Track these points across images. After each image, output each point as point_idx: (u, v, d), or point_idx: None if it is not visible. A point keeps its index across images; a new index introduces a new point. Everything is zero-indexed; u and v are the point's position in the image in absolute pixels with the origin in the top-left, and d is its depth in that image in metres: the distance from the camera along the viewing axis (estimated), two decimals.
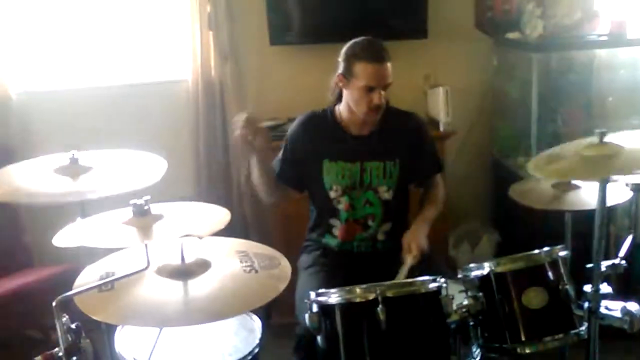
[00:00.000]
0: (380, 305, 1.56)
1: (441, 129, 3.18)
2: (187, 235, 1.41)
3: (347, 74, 2.28)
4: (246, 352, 1.76)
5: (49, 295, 2.77)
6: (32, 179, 1.84)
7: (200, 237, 1.43)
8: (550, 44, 3.10)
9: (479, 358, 1.84)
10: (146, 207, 1.45)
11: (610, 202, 1.78)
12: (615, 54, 3.20)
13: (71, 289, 2.85)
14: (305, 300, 1.77)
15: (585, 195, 2.12)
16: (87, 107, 3.33)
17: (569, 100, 3.28)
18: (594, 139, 1.71)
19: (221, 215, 1.57)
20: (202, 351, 1.79)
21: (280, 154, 2.48)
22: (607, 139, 1.69)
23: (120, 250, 1.62)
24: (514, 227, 3.27)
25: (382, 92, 2.26)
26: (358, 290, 1.65)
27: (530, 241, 2.99)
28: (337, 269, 2.33)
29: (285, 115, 3.29)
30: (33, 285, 2.83)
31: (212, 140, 3.40)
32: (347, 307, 1.65)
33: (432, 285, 1.67)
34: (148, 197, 1.47)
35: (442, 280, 1.71)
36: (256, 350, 1.78)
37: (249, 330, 1.87)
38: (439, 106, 3.19)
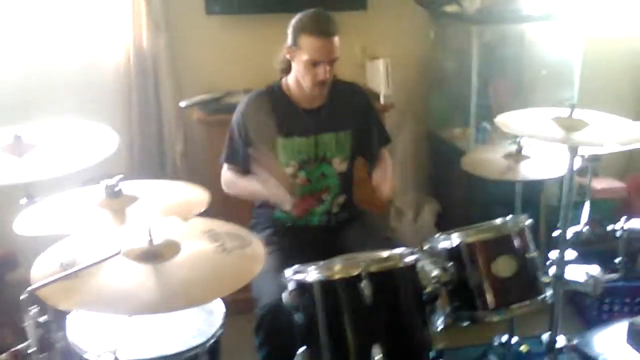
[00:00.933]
0: (364, 281, 1.54)
1: (381, 101, 3.18)
2: (170, 219, 1.32)
3: (294, 46, 2.26)
4: (210, 334, 1.70)
5: None
6: None
7: (185, 220, 1.34)
8: (489, 16, 3.14)
9: (441, 327, 1.87)
10: (118, 189, 1.34)
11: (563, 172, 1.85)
12: (546, 27, 3.29)
13: (3, 275, 2.71)
14: (277, 291, 1.73)
15: (536, 165, 2.19)
16: (15, 81, 3.08)
17: (502, 73, 3.36)
18: (564, 110, 1.75)
19: (199, 195, 1.48)
20: (165, 336, 1.70)
21: (229, 142, 2.40)
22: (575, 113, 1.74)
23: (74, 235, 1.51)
24: (453, 197, 3.35)
25: (328, 67, 2.23)
26: (338, 266, 1.62)
27: (469, 210, 3.10)
28: (291, 245, 2.31)
29: (222, 88, 3.19)
30: None
31: (145, 114, 3.23)
32: (327, 283, 1.62)
33: (410, 259, 1.66)
34: (121, 176, 1.36)
35: (416, 252, 1.71)
36: (219, 332, 1.72)
37: (208, 312, 1.81)
38: (380, 79, 3.18)
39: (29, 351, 1.25)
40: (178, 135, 3.27)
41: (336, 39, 2.23)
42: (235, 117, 2.40)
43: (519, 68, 3.40)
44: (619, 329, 2.60)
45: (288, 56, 2.30)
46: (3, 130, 1.76)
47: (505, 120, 1.88)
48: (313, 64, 2.22)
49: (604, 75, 3.50)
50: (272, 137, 2.33)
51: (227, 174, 2.42)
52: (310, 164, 2.36)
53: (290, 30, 2.27)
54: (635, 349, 2.11)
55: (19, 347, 1.29)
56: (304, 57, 2.22)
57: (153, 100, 3.24)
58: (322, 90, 2.30)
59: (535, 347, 2.37)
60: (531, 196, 2.70)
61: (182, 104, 3.14)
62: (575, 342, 2.54)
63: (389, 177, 2.31)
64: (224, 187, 2.42)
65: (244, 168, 2.37)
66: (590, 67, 3.32)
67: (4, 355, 1.28)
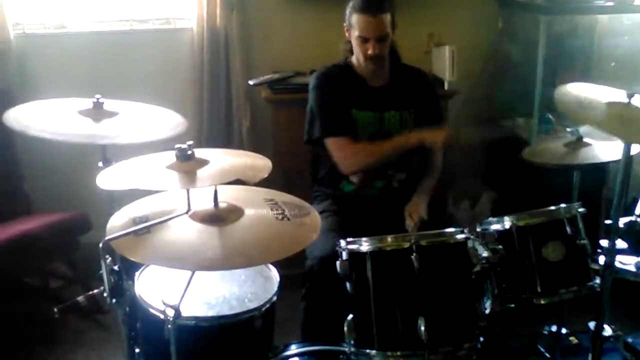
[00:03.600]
0: (414, 254, 1.61)
1: (445, 87, 3.21)
2: (236, 182, 1.42)
3: (349, 25, 2.40)
4: (265, 299, 1.78)
5: (49, 241, 2.80)
6: (56, 117, 1.81)
7: (250, 183, 1.44)
8: (558, 7, 3.12)
9: (489, 309, 1.91)
10: (190, 152, 1.45)
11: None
12: (619, 19, 3.23)
13: (77, 236, 2.89)
14: (327, 248, 1.81)
15: (596, 152, 2.18)
16: (87, 53, 3.27)
17: (570, 64, 3.32)
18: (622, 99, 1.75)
19: (263, 162, 1.58)
20: (225, 298, 1.80)
21: (322, 115, 2.44)
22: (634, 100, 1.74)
23: (143, 196, 1.63)
24: (510, 185, 3.35)
25: (377, 44, 2.33)
26: (390, 238, 1.69)
27: (525, 199, 3.09)
28: (349, 213, 2.43)
29: (290, 68, 3.28)
30: (32, 232, 2.80)
31: (216, 91, 3.36)
32: (379, 254, 1.69)
33: (461, 237, 1.72)
34: (192, 142, 1.46)
35: (468, 232, 1.76)
36: (274, 298, 1.81)
37: (266, 279, 1.89)
38: (444, 65, 3.21)
39: (103, 294, 1.38)
40: (245, 113, 3.39)
41: (385, 16, 2.33)
42: (313, 93, 2.48)
43: (587, 60, 3.35)
44: None
45: (347, 35, 2.44)
46: (84, 98, 1.90)
47: (564, 90, 1.89)
48: (363, 40, 2.34)
49: None
50: (348, 107, 2.43)
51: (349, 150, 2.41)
52: (377, 138, 2.44)
53: (346, 10, 2.40)
54: None
55: (94, 291, 1.42)
56: (355, 33, 2.36)
57: (223, 77, 3.36)
58: (374, 66, 2.42)
59: (585, 341, 2.37)
60: (594, 188, 2.69)
61: (252, 82, 3.25)
62: (630, 340, 2.54)
63: (423, 201, 2.39)
64: (343, 163, 2.41)
65: (350, 134, 2.40)
66: None
67: (81, 297, 1.41)
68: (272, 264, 1.88)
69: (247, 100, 3.37)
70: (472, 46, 3.47)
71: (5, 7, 3.13)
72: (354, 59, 2.48)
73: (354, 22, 2.35)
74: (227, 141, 3.43)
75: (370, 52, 2.34)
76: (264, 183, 1.56)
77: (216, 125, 3.42)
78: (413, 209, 2.36)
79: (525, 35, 3.31)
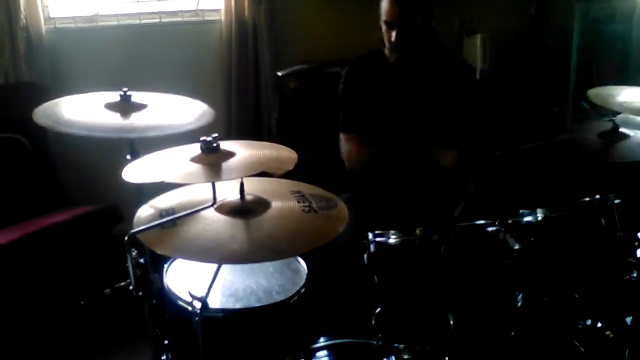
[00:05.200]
0: (443, 246, 1.58)
1: (477, 76, 3.14)
2: (262, 174, 1.41)
3: (378, 10, 2.31)
4: (293, 291, 1.77)
5: (80, 233, 2.83)
6: (85, 112, 1.83)
7: (275, 176, 1.43)
8: None
9: (521, 303, 1.87)
10: (215, 145, 1.44)
11: None
12: None
13: (108, 228, 2.92)
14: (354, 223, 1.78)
15: (633, 145, 2.11)
16: (117, 46, 3.29)
17: (608, 51, 3.23)
18: None
19: (289, 154, 1.57)
20: (252, 290, 1.80)
21: (343, 110, 2.44)
22: None
23: (171, 189, 1.63)
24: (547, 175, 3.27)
25: (402, 31, 2.23)
26: (419, 231, 1.66)
27: (568, 188, 3.02)
28: (375, 199, 2.40)
29: (318, 58, 3.26)
30: (63, 223, 2.82)
31: (244, 82, 3.37)
32: (407, 247, 1.67)
33: (491, 229, 1.68)
34: (216, 134, 1.46)
35: (499, 224, 1.72)
36: (302, 290, 1.79)
37: (294, 271, 1.88)
38: (476, 53, 3.16)
39: (129, 288, 1.38)
40: (274, 104, 3.38)
41: (413, 1, 2.24)
42: (341, 86, 2.47)
43: (626, 47, 3.25)
44: None
45: (379, 23, 2.35)
46: (111, 92, 1.91)
47: (599, 93, 1.83)
48: (388, 26, 2.27)
49: None
50: (377, 99, 2.38)
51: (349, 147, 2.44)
52: (395, 133, 2.39)
53: None
54: None
55: (120, 283, 1.43)
56: (383, 18, 2.28)
57: (252, 69, 3.36)
58: (398, 56, 2.31)
59: (621, 336, 2.31)
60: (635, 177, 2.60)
61: (280, 73, 3.24)
62: None
63: None
64: (347, 160, 2.45)
65: (360, 133, 2.40)
66: None
67: (107, 289, 1.42)
68: (301, 256, 1.87)
69: (276, 92, 3.36)
70: (505, 34, 3.40)
71: (38, 2, 3.17)
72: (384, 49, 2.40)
73: (382, 7, 2.29)
74: (256, 133, 3.43)
75: (393, 39, 2.26)
76: (291, 175, 1.55)
77: (245, 117, 3.42)
78: None
79: (559, 21, 3.23)
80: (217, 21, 3.32)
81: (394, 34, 2.25)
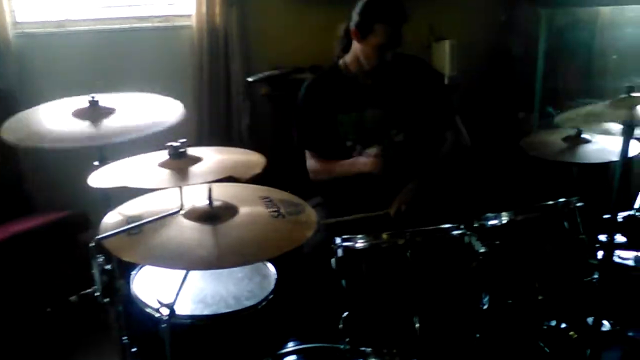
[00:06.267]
0: (409, 250, 1.60)
1: (446, 82, 3.18)
2: (229, 179, 1.42)
3: (364, 30, 2.31)
4: (262, 297, 1.78)
5: (47, 240, 2.79)
6: (53, 122, 1.81)
7: (242, 180, 1.44)
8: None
9: (487, 305, 1.90)
10: (182, 150, 1.45)
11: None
12: (620, 11, 3.20)
13: (76, 235, 2.89)
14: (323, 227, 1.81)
15: (594, 150, 2.17)
16: (87, 52, 3.26)
17: (572, 58, 3.30)
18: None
19: (256, 159, 1.57)
20: (221, 296, 1.80)
21: (301, 127, 2.50)
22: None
23: (138, 196, 1.62)
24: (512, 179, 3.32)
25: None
26: (385, 235, 1.68)
27: (531, 191, 3.07)
28: (343, 201, 2.43)
29: (289, 65, 3.27)
30: (29, 230, 2.80)
31: (215, 88, 3.36)
32: (374, 251, 1.68)
33: (457, 232, 1.71)
34: (184, 140, 1.46)
35: (465, 228, 1.75)
36: (271, 295, 1.80)
37: (263, 276, 1.89)
38: (445, 60, 3.19)
39: (96, 294, 1.38)
40: (245, 109, 3.38)
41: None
42: (298, 103, 2.50)
43: (589, 53, 3.33)
44: None
45: (353, 38, 2.36)
46: (80, 97, 1.90)
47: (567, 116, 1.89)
48: (384, 48, 2.30)
49: None
50: (331, 116, 2.42)
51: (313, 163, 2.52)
52: (369, 136, 2.43)
53: (358, 12, 2.32)
54: None
55: (86, 291, 1.42)
56: (376, 41, 2.29)
57: (223, 74, 3.35)
58: (381, 68, 2.37)
59: (584, 336, 2.36)
60: (595, 181, 2.66)
61: (251, 78, 3.24)
62: (631, 333, 2.52)
63: (409, 193, 2.36)
64: (310, 173, 2.54)
65: (321, 151, 2.47)
66: None
67: (73, 297, 1.41)
68: (270, 261, 1.88)
69: (247, 97, 3.36)
70: (474, 40, 3.45)
71: (4, 7, 3.13)
72: (347, 58, 2.45)
73: (376, 30, 2.29)
74: (227, 138, 3.43)
75: (388, 59, 2.33)
76: (262, 180, 1.56)
77: (216, 122, 3.41)
78: (399, 197, 2.35)
79: (527, 28, 3.29)
80: (188, 27, 3.32)
81: (389, 54, 2.32)
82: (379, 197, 2.43)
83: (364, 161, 2.35)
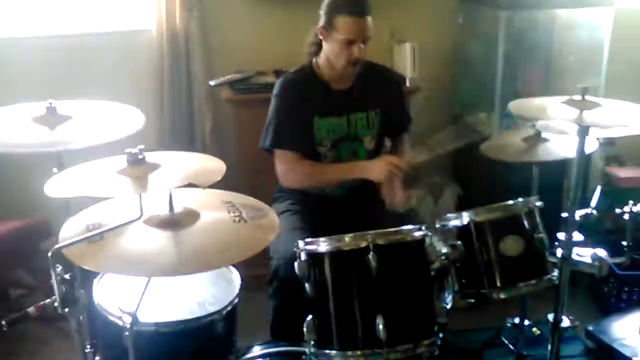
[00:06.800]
0: (371, 253, 1.61)
1: (407, 84, 3.22)
2: (189, 185, 1.41)
3: (328, 27, 2.31)
4: (226, 302, 1.77)
5: (7, 248, 2.74)
6: (8, 128, 1.78)
7: (203, 187, 1.43)
8: (517, 2, 3.16)
9: (450, 304, 1.92)
10: (141, 157, 1.43)
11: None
12: (577, 14, 3.27)
13: (37, 243, 2.83)
14: (292, 246, 1.80)
15: (554, 148, 2.22)
16: (44, 57, 3.20)
17: (531, 59, 3.36)
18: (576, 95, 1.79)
19: (217, 165, 1.57)
20: (185, 302, 1.79)
21: (276, 127, 2.42)
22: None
23: (98, 202, 1.60)
24: (474, 180, 3.39)
25: (362, 46, 2.29)
26: (348, 238, 1.68)
27: (489, 193, 3.12)
28: (310, 211, 2.41)
29: (252, 68, 3.26)
30: None
31: (177, 92, 3.33)
32: (336, 255, 1.69)
33: (418, 234, 1.72)
34: (142, 146, 1.45)
35: (426, 229, 1.76)
36: (236, 300, 1.79)
37: (227, 281, 1.88)
38: (406, 62, 3.23)
39: (54, 304, 1.35)
40: (207, 114, 3.36)
41: (369, 18, 2.28)
42: (274, 101, 2.45)
43: (547, 54, 3.39)
44: (636, 317, 2.62)
45: (321, 37, 2.36)
46: (38, 103, 1.86)
47: (519, 104, 1.92)
48: (348, 43, 2.28)
49: (633, 63, 3.48)
50: (309, 117, 2.40)
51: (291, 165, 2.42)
52: (343, 142, 2.44)
53: (323, 11, 2.33)
54: None
55: (45, 301, 1.40)
56: (340, 36, 2.27)
57: (184, 78, 3.32)
58: (354, 69, 2.37)
59: (547, 332, 2.41)
60: (555, 181, 2.72)
61: (212, 82, 3.22)
62: (591, 328, 2.58)
63: (397, 186, 2.28)
64: (283, 177, 2.45)
65: (298, 150, 2.39)
66: (618, 54, 3.31)
67: (31, 308, 1.38)
68: (235, 266, 1.87)
69: (209, 101, 3.34)
70: (433, 42, 3.48)
71: None
72: (319, 61, 2.43)
73: (337, 25, 2.26)
74: (190, 143, 3.40)
75: (356, 54, 2.28)
76: (225, 185, 1.55)
77: (179, 127, 3.38)
78: (389, 195, 2.27)
79: (485, 30, 3.34)
80: (147, 31, 3.28)
81: (356, 49, 2.27)
82: (354, 201, 2.46)
83: (370, 166, 2.29)
